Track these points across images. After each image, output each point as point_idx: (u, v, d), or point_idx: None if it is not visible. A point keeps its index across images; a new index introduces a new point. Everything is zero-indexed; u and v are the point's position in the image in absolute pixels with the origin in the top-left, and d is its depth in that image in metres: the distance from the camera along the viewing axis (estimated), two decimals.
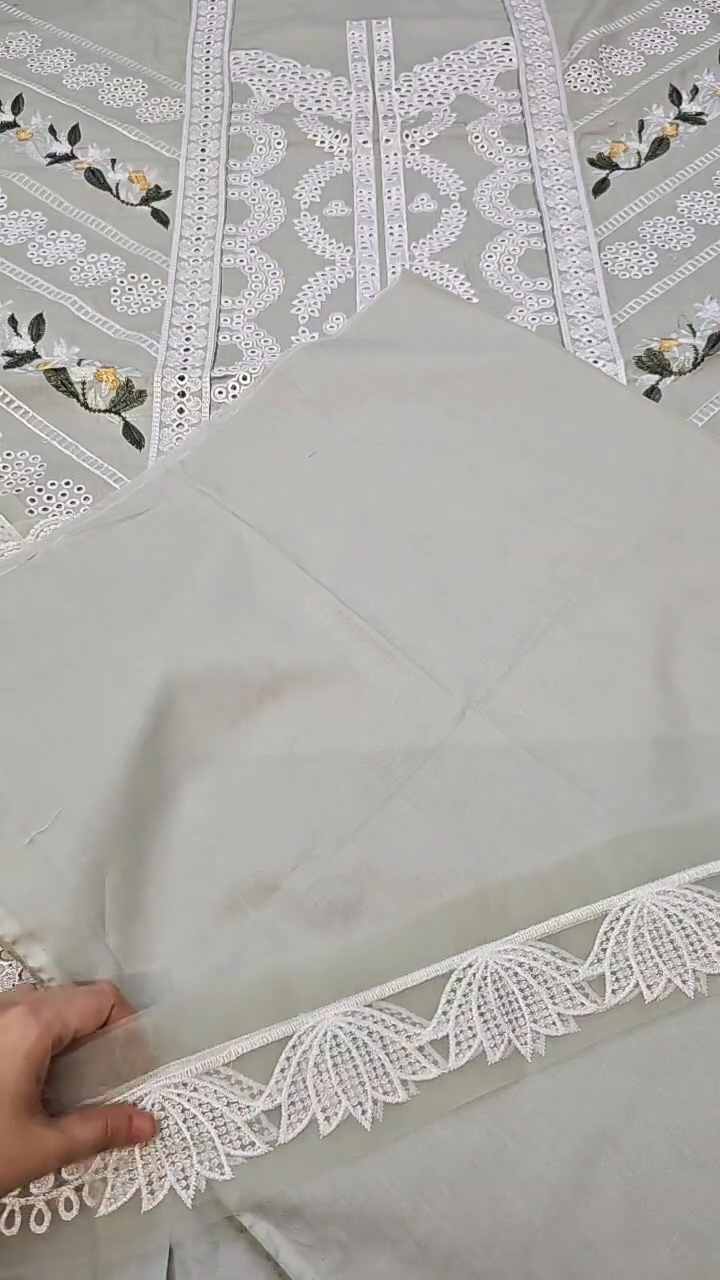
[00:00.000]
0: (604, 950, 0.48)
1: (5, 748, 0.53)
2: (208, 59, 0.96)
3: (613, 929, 0.49)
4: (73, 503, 0.69)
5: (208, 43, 0.97)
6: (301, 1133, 0.45)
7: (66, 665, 0.56)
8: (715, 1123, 0.45)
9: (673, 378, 0.74)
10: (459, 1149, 0.45)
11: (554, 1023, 0.47)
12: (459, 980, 0.48)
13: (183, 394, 0.74)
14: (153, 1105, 0.45)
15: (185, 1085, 0.45)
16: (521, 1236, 0.43)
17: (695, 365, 0.75)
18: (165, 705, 0.55)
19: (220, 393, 0.74)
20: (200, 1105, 0.45)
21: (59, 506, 0.69)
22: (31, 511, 0.68)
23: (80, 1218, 0.44)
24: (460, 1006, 0.47)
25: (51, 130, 0.91)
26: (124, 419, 0.73)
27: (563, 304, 0.79)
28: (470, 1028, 0.47)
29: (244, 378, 0.75)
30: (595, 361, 0.75)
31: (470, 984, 0.48)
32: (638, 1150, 0.45)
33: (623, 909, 0.49)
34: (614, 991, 0.47)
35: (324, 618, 0.60)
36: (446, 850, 0.53)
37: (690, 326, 0.77)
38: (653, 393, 0.73)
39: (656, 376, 0.74)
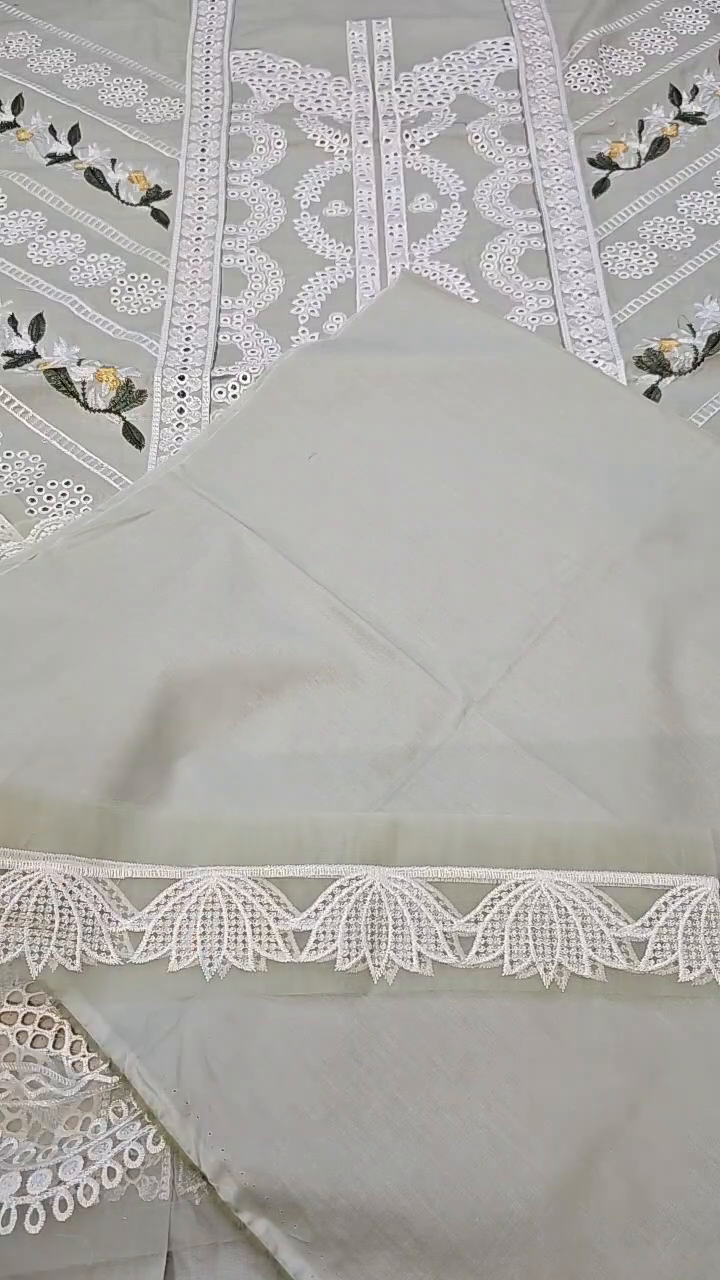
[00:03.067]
0: (484, 914, 0.50)
1: (6, 749, 0.53)
2: (208, 59, 0.96)
3: (500, 898, 0.50)
4: (73, 503, 0.69)
5: (208, 43, 0.97)
6: (154, 961, 0.48)
7: (67, 666, 0.56)
8: (715, 1121, 0.45)
9: (673, 378, 0.74)
10: (459, 1147, 0.45)
11: (411, 958, 0.48)
12: (341, 888, 0.50)
13: (183, 394, 0.74)
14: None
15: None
16: (521, 1235, 0.43)
17: (695, 365, 0.75)
18: (166, 706, 0.55)
19: (220, 393, 0.74)
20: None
21: (59, 506, 0.69)
22: (31, 511, 0.68)
23: (80, 1217, 0.45)
24: (332, 910, 0.49)
25: (51, 130, 0.91)
26: (124, 419, 0.73)
27: (563, 304, 0.79)
28: (331, 932, 0.49)
29: (244, 378, 0.75)
30: (595, 361, 0.75)
31: (349, 894, 0.50)
32: (638, 1149, 0.45)
33: (517, 884, 0.50)
34: (477, 954, 0.49)
35: (324, 618, 0.60)
36: None
37: (690, 326, 0.77)
38: (653, 393, 0.73)
39: (656, 376, 0.74)
